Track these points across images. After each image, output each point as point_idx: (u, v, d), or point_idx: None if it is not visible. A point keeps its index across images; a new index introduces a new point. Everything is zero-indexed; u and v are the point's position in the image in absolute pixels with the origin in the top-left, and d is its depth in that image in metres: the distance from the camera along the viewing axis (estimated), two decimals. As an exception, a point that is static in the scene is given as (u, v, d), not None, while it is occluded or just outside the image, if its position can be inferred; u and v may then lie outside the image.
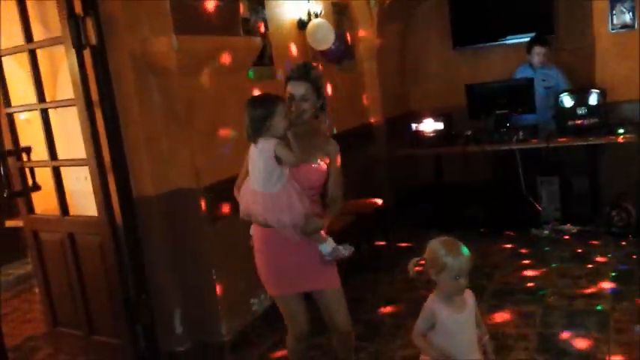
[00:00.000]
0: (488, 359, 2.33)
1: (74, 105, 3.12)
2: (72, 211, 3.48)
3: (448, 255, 2.11)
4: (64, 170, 3.46)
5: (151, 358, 3.28)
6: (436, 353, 2.18)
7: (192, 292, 3.39)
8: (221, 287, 3.38)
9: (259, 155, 2.37)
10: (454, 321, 2.18)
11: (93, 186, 3.16)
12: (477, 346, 2.26)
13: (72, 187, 3.61)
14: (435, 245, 2.16)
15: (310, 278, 2.57)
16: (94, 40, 2.98)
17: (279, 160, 2.35)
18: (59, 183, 3.41)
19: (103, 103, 3.04)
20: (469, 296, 2.26)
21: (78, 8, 2.96)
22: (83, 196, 3.49)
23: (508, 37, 5.79)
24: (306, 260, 2.52)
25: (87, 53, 3.00)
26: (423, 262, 2.21)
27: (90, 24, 2.96)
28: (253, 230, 2.61)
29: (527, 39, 5.42)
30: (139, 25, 3.13)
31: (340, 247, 2.51)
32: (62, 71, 3.67)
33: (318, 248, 2.50)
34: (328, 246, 2.49)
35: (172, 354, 3.38)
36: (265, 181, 2.38)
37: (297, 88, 2.50)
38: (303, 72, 2.53)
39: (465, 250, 2.15)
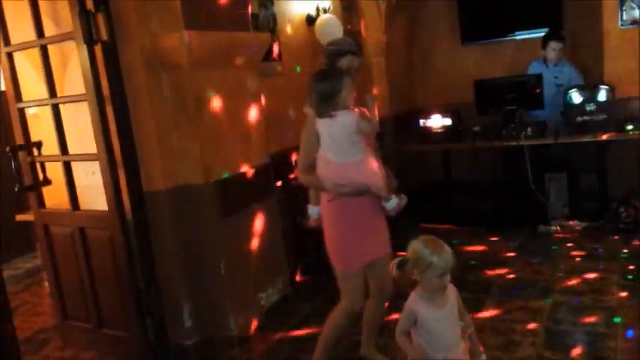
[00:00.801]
0: (475, 350, 2.36)
1: (85, 100, 3.14)
2: (81, 205, 3.51)
3: (433, 254, 2.15)
4: (73, 165, 3.48)
5: (159, 350, 3.31)
6: (416, 354, 2.23)
7: (201, 286, 3.41)
8: (229, 282, 3.40)
9: (341, 128, 2.48)
10: (436, 318, 2.22)
11: (103, 181, 3.18)
12: (461, 340, 2.29)
13: (81, 182, 3.63)
14: (418, 245, 2.20)
15: (385, 242, 2.77)
16: (105, 35, 3.00)
17: (359, 130, 2.48)
18: (70, 178, 3.44)
19: (113, 99, 3.06)
20: (451, 291, 2.30)
21: (89, 4, 2.98)
22: (92, 190, 3.52)
23: (517, 33, 5.77)
24: (384, 225, 2.75)
25: (98, 49, 3.02)
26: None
27: (101, 19, 2.98)
28: (329, 207, 2.65)
29: (537, 35, 5.41)
30: (150, 20, 3.14)
31: (400, 198, 2.66)
32: (71, 66, 3.71)
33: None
34: (394, 201, 2.62)
35: (181, 347, 3.40)
36: (351, 151, 2.51)
37: (355, 61, 2.65)
38: (356, 47, 2.66)
39: (448, 248, 2.19)
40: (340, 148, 2.52)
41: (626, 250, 4.35)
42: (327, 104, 2.46)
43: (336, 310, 2.80)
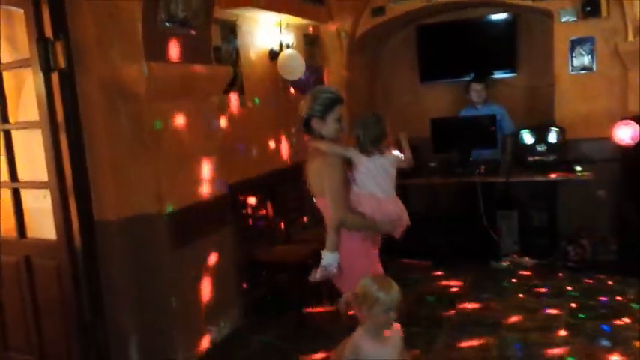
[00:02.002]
0: None
1: (39, 128, 3.10)
2: (30, 228, 3.42)
3: (380, 290, 2.25)
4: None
5: (104, 385, 3.23)
6: None
7: (150, 319, 3.35)
8: (179, 314, 3.36)
9: (392, 164, 2.67)
10: (378, 354, 2.30)
11: (53, 209, 3.13)
12: None
13: (31, 205, 3.55)
14: (368, 282, 2.29)
15: None
16: (63, 63, 2.99)
17: (400, 165, 2.72)
18: (18, 205, 3.36)
19: (68, 127, 3.04)
20: (397, 331, 2.39)
21: (48, 32, 2.97)
22: (42, 214, 3.44)
23: (473, 75, 5.96)
24: None
25: (55, 76, 3.01)
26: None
27: (59, 48, 2.98)
28: (363, 244, 2.68)
29: (494, 76, 5.62)
30: (110, 50, 3.15)
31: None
32: (26, 91, 3.65)
33: None
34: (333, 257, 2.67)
35: (127, 381, 3.33)
36: (393, 186, 2.71)
37: (344, 110, 2.71)
38: (341, 96, 2.73)
39: (395, 285, 2.29)
40: (389, 183, 2.68)
41: (571, 288, 4.48)
42: (378, 142, 2.62)
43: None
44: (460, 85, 5.68)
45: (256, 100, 4.61)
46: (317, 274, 2.66)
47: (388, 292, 2.24)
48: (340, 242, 2.64)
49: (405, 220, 2.76)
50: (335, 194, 2.59)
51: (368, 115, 2.71)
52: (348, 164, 2.66)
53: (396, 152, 2.70)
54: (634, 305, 4.06)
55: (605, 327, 3.75)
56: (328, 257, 2.63)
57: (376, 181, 2.64)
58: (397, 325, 2.39)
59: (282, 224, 4.80)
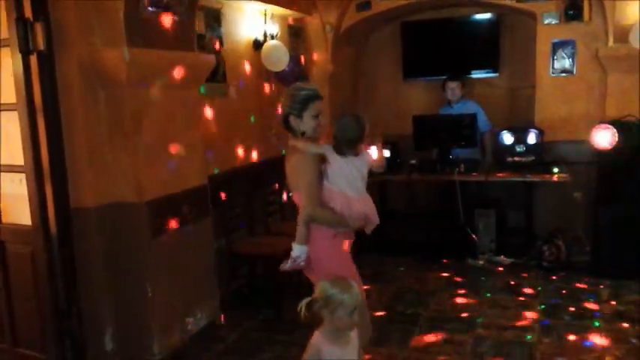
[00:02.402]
0: None
1: (15, 110, 3.02)
2: (5, 215, 3.35)
3: (343, 292, 2.21)
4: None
5: (77, 374, 3.18)
6: None
7: (126, 309, 3.31)
8: (156, 304, 3.32)
9: (365, 166, 2.75)
10: (337, 356, 2.27)
11: (29, 194, 3.06)
12: None
13: (6, 190, 3.47)
14: (327, 286, 2.25)
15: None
16: (42, 45, 2.91)
17: (374, 167, 2.84)
18: (-7, 188, 3.29)
19: (46, 110, 2.96)
20: (354, 333, 2.37)
21: (28, 12, 2.89)
22: (16, 199, 3.36)
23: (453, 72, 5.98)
24: None
25: (33, 58, 2.93)
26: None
27: (39, 29, 2.89)
28: (336, 242, 2.71)
29: (476, 75, 5.64)
30: (91, 34, 3.09)
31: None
32: (2, 72, 3.55)
33: None
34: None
35: (101, 371, 3.28)
36: (364, 186, 2.77)
37: (321, 106, 2.73)
38: (318, 90, 2.75)
39: (355, 286, 2.28)
40: (360, 183, 2.74)
41: (545, 288, 4.55)
42: (354, 144, 2.68)
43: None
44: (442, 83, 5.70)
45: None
46: (287, 265, 2.74)
47: (351, 294, 2.22)
48: (312, 238, 2.70)
49: (375, 219, 2.81)
50: (308, 189, 2.65)
51: (348, 116, 2.75)
52: (323, 160, 2.70)
53: (371, 152, 2.78)
54: (606, 306, 4.15)
55: (578, 327, 3.81)
56: (297, 249, 2.70)
57: (348, 180, 2.70)
58: (356, 330, 2.38)
59: (262, 216, 4.78)
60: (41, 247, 3.07)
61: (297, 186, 2.71)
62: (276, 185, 4.97)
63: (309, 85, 2.88)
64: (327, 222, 2.68)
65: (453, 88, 5.42)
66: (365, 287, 3.02)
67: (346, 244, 2.79)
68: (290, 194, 2.83)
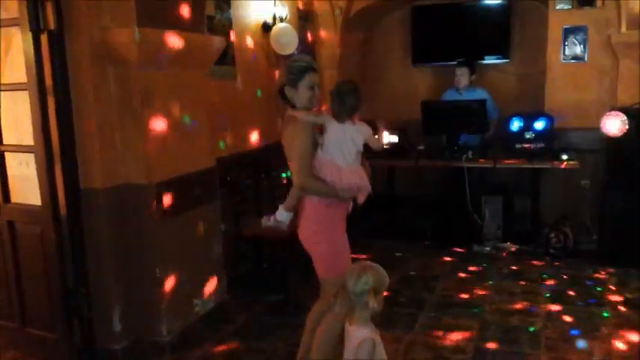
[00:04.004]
0: None
1: (25, 89, 3.01)
2: (13, 196, 3.35)
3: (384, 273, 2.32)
4: (8, 154, 3.33)
5: (86, 354, 3.20)
6: None
7: (134, 290, 3.32)
8: (164, 286, 3.33)
9: (360, 135, 2.71)
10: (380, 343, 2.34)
11: (38, 175, 3.06)
12: None
13: (13, 172, 3.47)
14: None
15: None
16: (52, 25, 2.89)
17: (369, 142, 2.78)
18: (2, 169, 3.29)
19: (56, 90, 2.95)
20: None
21: (38, -9, 2.87)
22: (24, 181, 3.37)
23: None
24: None
25: (44, 38, 2.91)
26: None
27: (50, 8, 2.87)
28: (327, 211, 2.73)
29: (486, 61, 5.60)
30: (101, 13, 3.06)
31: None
32: (12, 52, 3.54)
33: None
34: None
35: (109, 351, 3.30)
36: (357, 157, 2.74)
37: (318, 78, 2.76)
38: (314, 63, 2.80)
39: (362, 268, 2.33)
40: (348, 153, 2.71)
41: (552, 275, 4.55)
42: (350, 112, 2.69)
43: (330, 321, 2.74)
44: (451, 70, 5.65)
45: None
46: (268, 222, 2.87)
47: (380, 274, 2.27)
48: (307, 213, 2.77)
49: (367, 188, 2.78)
50: (300, 159, 2.68)
51: (344, 83, 2.79)
52: (320, 130, 2.74)
53: (368, 128, 2.77)
54: (612, 293, 4.15)
55: (584, 314, 3.82)
56: (282, 215, 2.83)
57: (341, 148, 2.70)
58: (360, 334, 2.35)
59: (270, 200, 4.77)
60: (50, 227, 3.07)
61: (291, 156, 2.74)
62: (284, 168, 4.95)
63: (305, 57, 2.95)
64: (317, 192, 2.72)
65: (462, 75, 5.35)
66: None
67: (341, 215, 2.80)
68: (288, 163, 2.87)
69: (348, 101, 2.68)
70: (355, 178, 2.73)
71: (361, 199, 2.79)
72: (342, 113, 2.69)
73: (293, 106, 2.76)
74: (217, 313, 3.77)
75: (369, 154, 2.88)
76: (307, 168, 2.68)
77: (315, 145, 2.71)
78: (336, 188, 2.69)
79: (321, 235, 2.75)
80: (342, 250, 2.79)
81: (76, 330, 3.17)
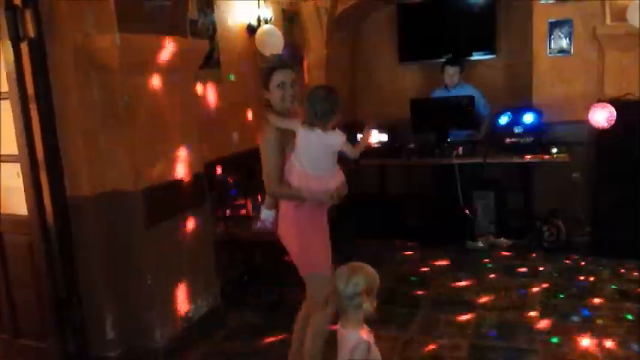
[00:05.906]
0: None
1: (7, 99, 2.99)
2: (4, 208, 3.32)
3: (374, 273, 2.27)
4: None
5: (79, 363, 3.18)
6: None
7: (126, 297, 3.30)
8: (156, 292, 3.31)
9: (328, 144, 2.64)
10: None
11: (24, 184, 3.03)
12: None
13: (5, 183, 3.44)
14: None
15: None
16: (32, 32, 2.87)
17: (343, 151, 2.70)
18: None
19: (38, 98, 2.93)
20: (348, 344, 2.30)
21: (17, -1, 2.85)
22: (15, 193, 3.34)
23: (449, 56, 5.94)
24: None
25: (24, 46, 2.88)
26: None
27: (29, 16, 2.85)
28: (297, 211, 2.72)
29: (474, 58, 5.59)
30: (82, 19, 3.03)
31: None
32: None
33: None
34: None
35: (103, 359, 3.27)
36: (329, 163, 2.71)
37: (288, 75, 2.71)
38: (286, 61, 2.79)
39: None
40: (319, 160, 2.68)
41: (545, 268, 4.55)
42: (323, 118, 2.59)
43: (317, 318, 2.75)
44: (438, 66, 5.66)
45: (231, 77, 4.53)
46: (256, 226, 2.98)
47: (370, 275, 2.24)
48: (281, 212, 2.82)
49: (342, 191, 2.75)
50: (267, 164, 2.73)
51: (317, 88, 2.74)
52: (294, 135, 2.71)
53: (342, 136, 2.67)
54: (607, 285, 4.15)
55: (578, 306, 3.81)
56: (265, 213, 2.94)
57: (310, 154, 2.67)
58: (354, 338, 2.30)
59: (260, 203, 4.75)
60: (39, 237, 3.05)
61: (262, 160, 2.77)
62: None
63: (274, 56, 2.94)
64: (286, 197, 2.75)
65: (451, 73, 5.30)
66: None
67: (314, 215, 2.77)
68: None
69: (319, 107, 2.60)
70: (322, 186, 2.69)
71: (336, 202, 2.75)
72: (312, 119, 2.62)
73: (273, 109, 2.74)
74: (211, 317, 3.75)
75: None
76: (274, 173, 2.70)
77: (284, 151, 2.70)
78: (302, 195, 2.67)
79: (293, 233, 2.77)
80: (317, 249, 2.78)
81: (68, 339, 3.14)
